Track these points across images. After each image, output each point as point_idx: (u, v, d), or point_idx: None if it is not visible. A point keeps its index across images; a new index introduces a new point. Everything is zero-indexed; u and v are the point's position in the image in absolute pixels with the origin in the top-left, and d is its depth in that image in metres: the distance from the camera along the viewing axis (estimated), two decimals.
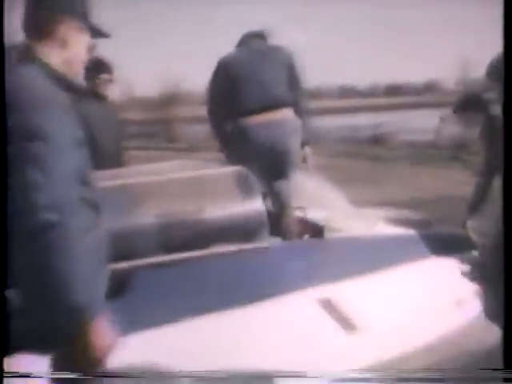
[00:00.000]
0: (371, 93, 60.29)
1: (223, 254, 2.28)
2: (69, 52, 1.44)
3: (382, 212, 3.17)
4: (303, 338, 2.22)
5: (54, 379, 1.40)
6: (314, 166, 3.21)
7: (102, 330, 1.33)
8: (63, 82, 1.39)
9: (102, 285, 1.38)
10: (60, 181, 1.27)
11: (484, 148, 3.02)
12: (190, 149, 14.23)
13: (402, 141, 14.62)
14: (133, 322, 1.87)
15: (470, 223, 3.08)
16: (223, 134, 2.97)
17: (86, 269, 1.28)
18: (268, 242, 2.40)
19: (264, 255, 2.37)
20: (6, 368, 1.35)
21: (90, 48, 1.51)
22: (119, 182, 2.21)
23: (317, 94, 52.98)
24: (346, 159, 10.74)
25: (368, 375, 2.00)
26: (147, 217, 2.25)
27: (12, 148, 1.25)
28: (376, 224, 2.83)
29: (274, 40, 3.16)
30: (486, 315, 2.63)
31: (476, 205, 3.06)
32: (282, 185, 2.76)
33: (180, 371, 1.85)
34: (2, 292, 1.32)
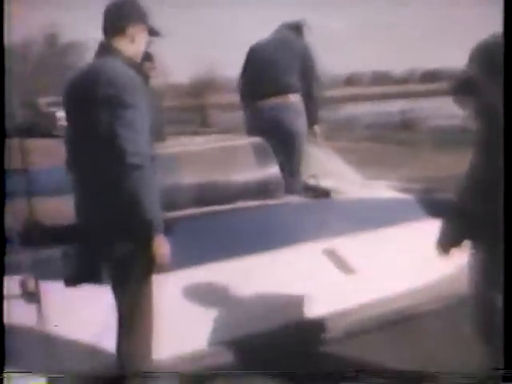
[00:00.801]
0: (407, 79, 59.34)
1: (247, 209, 2.84)
2: (136, 46, 2.01)
3: (386, 182, 3.65)
4: (311, 277, 2.75)
5: None
6: (332, 145, 3.72)
7: (163, 242, 1.92)
8: (136, 68, 1.97)
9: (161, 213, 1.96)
10: (142, 136, 1.87)
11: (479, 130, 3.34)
12: (222, 133, 14.83)
13: (430, 126, 14.79)
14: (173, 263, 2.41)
15: None
16: (247, 115, 3.53)
17: (156, 199, 1.87)
18: (284, 199, 2.95)
19: (281, 210, 2.92)
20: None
21: (148, 43, 2.09)
22: (166, 150, 2.78)
23: (351, 81, 52.79)
24: (371, 143, 11.10)
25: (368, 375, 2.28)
26: (187, 178, 2.83)
27: (106, 115, 1.84)
28: (378, 190, 3.33)
29: (309, 29, 3.66)
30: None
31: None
32: (290, 157, 3.29)
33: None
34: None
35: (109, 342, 2.15)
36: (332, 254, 2.81)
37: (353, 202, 3.13)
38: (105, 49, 1.99)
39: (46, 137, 12.52)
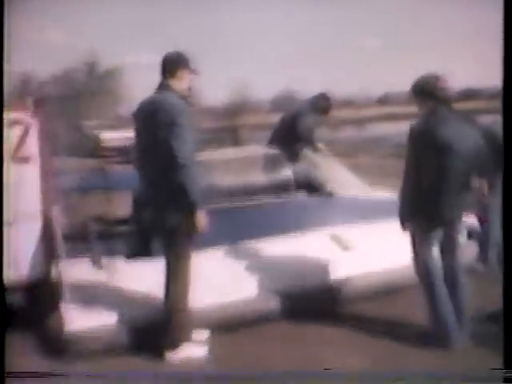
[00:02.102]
0: None
1: (267, 203, 3.71)
2: (183, 84, 2.92)
3: (386, 189, 4.42)
4: (318, 253, 3.55)
5: None
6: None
7: (203, 216, 2.81)
8: (184, 99, 2.89)
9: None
10: (188, 146, 2.76)
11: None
12: None
13: None
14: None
15: None
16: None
17: (198, 187, 2.77)
18: (296, 196, 3.81)
19: (293, 205, 3.76)
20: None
21: (191, 80, 2.99)
22: (204, 158, 3.66)
23: (386, 99, 53.31)
24: (396, 159, 11.73)
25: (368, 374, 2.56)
26: (218, 178, 3.71)
27: (164, 131, 2.75)
28: (375, 193, 4.13)
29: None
30: None
31: None
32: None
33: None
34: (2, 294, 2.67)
35: (158, 293, 3.00)
36: (335, 238, 3.64)
37: (351, 200, 3.94)
38: (162, 86, 2.94)
39: (90, 157, 13.77)
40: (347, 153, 12.97)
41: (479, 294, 3.28)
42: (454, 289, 3.05)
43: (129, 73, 42.35)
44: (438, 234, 3.05)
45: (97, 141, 16.79)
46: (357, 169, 6.35)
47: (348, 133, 24.65)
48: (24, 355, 2.99)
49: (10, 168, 3.21)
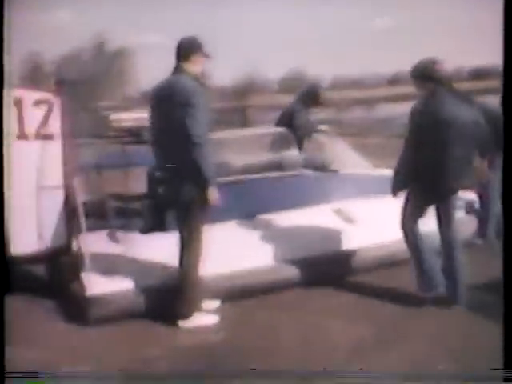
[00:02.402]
0: (455, 77, 58.56)
1: (274, 178, 3.92)
2: (197, 67, 3.11)
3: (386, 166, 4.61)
4: (323, 226, 3.77)
5: None
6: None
7: (215, 191, 3.02)
8: (198, 81, 3.08)
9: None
10: (202, 125, 2.95)
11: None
12: None
13: None
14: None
15: None
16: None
17: (211, 164, 2.98)
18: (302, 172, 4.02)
19: (299, 180, 3.97)
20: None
21: (204, 63, 3.17)
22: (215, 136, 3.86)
23: (396, 80, 52.93)
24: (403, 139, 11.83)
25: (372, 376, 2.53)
26: (230, 155, 3.92)
27: (179, 111, 2.93)
28: (378, 170, 4.32)
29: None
30: None
31: None
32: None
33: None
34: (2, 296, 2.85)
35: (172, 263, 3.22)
36: (338, 211, 3.87)
37: (354, 176, 4.15)
38: (177, 69, 3.12)
39: (101, 138, 14.01)
40: (355, 133, 13.10)
41: (478, 267, 3.46)
42: (450, 260, 3.26)
43: (136, 53, 42.23)
44: (430, 207, 3.27)
45: (107, 121, 17.02)
46: (364, 149, 6.53)
47: (357, 113, 24.61)
48: (49, 320, 3.24)
49: (15, 145, 3.41)
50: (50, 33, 48.21)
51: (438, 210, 3.29)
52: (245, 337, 2.98)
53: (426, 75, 3.20)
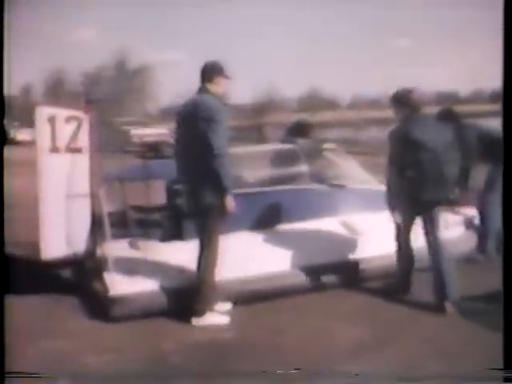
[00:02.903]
0: (474, 99, 58.60)
1: (285, 191, 4.23)
2: (219, 88, 3.47)
3: None
4: (330, 237, 4.09)
5: None
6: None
7: (232, 199, 3.33)
8: (220, 99, 3.42)
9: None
10: (222, 139, 3.28)
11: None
12: None
13: None
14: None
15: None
16: None
17: (229, 174, 3.29)
18: (311, 186, 4.33)
19: (308, 193, 4.27)
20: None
21: (226, 84, 3.53)
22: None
23: None
24: None
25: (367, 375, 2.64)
26: (242, 170, 4.23)
27: (202, 126, 3.27)
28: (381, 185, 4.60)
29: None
30: None
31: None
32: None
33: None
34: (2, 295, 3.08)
35: (191, 265, 3.52)
36: (344, 224, 4.19)
37: (360, 191, 4.43)
38: (201, 90, 3.48)
39: (121, 152, 14.49)
40: (368, 152, 13.43)
41: (477, 281, 3.75)
42: (436, 264, 3.60)
43: (156, 71, 43.21)
44: (418, 218, 3.66)
45: (127, 136, 17.57)
46: (375, 167, 6.81)
47: (374, 133, 24.90)
48: (74, 318, 3.56)
49: (47, 158, 3.75)
50: (73, 50, 49.64)
51: (423, 221, 3.63)
52: (253, 336, 3.25)
53: (402, 102, 3.67)
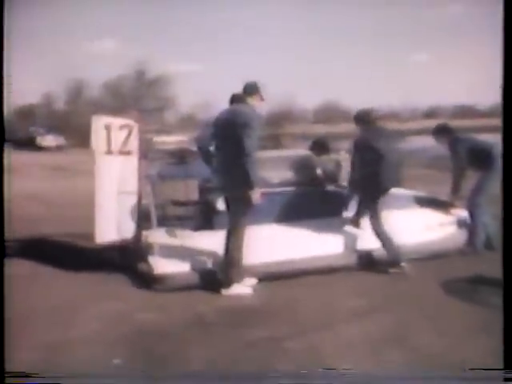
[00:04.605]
0: (493, 113, 58.76)
1: (303, 191, 5.04)
2: (255, 101, 4.26)
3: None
4: (341, 232, 4.88)
5: None
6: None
7: (258, 192, 4.10)
8: (254, 110, 4.22)
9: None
10: (255, 142, 4.06)
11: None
12: None
13: None
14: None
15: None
16: None
17: (256, 171, 4.08)
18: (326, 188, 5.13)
19: (319, 195, 5.06)
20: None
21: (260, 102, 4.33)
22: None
23: (432, 113, 53.69)
24: (435, 171, 12.95)
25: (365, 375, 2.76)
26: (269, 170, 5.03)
27: (239, 131, 4.04)
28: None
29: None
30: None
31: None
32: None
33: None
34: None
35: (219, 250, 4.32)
36: (352, 220, 5.00)
37: None
38: (241, 100, 4.28)
39: (144, 158, 15.38)
40: None
41: (467, 271, 4.48)
42: (381, 234, 4.74)
43: (175, 81, 44.39)
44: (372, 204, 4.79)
45: (150, 143, 18.47)
46: None
47: None
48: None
49: (103, 159, 4.61)
50: (93, 60, 51.23)
51: (368, 208, 4.79)
52: (271, 305, 4.01)
53: (364, 120, 4.88)
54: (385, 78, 70.40)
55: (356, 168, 4.79)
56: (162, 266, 4.41)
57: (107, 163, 4.66)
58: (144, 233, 4.73)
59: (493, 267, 4.32)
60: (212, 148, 4.46)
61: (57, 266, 4.92)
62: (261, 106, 4.33)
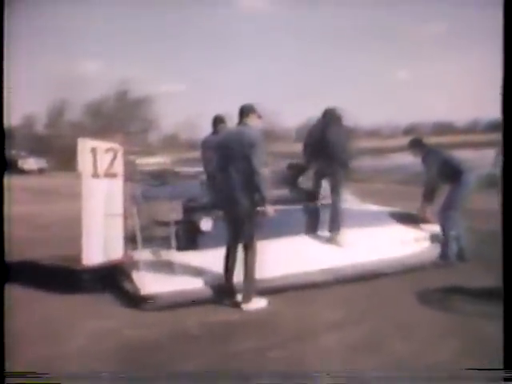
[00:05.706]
0: (471, 129, 60.03)
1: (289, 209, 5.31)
2: (254, 121, 4.54)
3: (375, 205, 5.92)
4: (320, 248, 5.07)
5: None
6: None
7: (269, 206, 4.41)
8: (257, 130, 4.50)
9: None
10: (261, 159, 4.35)
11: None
12: None
13: None
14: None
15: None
16: None
17: (266, 188, 4.35)
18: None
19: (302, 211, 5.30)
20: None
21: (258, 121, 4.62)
22: None
23: (411, 130, 54.75)
24: (397, 185, 13.36)
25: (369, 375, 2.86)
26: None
27: (245, 151, 4.34)
28: (366, 206, 5.62)
29: None
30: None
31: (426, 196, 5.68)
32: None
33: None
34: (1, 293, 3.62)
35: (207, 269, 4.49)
36: (331, 239, 5.22)
37: (346, 210, 5.44)
38: (241, 122, 4.53)
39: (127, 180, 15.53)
40: (364, 179, 14.59)
41: (441, 282, 4.74)
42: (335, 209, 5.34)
43: (158, 102, 44.64)
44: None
45: (133, 165, 18.61)
46: (370, 193, 7.83)
47: (370, 162, 26.10)
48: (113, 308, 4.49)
49: (90, 182, 4.76)
50: (75, 82, 51.34)
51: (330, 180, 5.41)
52: (283, 316, 4.25)
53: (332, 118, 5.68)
54: (369, 95, 71.79)
55: (309, 152, 5.61)
56: (148, 286, 4.57)
57: (94, 186, 4.80)
58: (130, 254, 4.89)
59: (465, 277, 4.63)
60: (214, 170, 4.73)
61: (43, 288, 5.01)
62: (259, 124, 4.63)
